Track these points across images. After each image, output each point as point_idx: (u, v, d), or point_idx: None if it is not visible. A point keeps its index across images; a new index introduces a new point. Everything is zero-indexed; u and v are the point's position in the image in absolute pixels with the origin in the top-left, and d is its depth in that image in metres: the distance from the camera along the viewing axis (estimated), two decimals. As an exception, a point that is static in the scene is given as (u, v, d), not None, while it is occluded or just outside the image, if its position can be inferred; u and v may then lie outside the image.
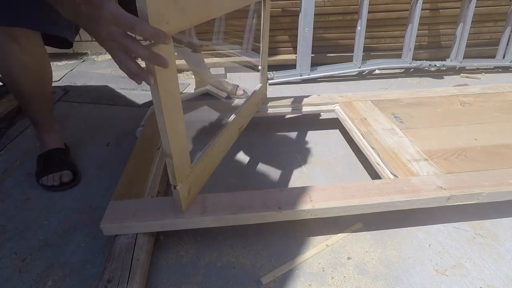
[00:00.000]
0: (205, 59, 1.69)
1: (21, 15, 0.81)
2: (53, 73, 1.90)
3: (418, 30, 1.78)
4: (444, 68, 1.95)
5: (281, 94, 1.65)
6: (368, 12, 1.73)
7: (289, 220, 0.79)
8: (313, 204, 0.77)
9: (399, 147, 0.99)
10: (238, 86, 1.62)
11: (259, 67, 1.22)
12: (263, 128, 1.33)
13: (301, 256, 0.79)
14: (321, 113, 1.36)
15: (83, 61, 2.12)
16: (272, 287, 0.72)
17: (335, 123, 1.31)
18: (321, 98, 1.32)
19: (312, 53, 1.78)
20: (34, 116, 1.04)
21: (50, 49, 1.86)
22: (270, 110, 1.26)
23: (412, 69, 1.95)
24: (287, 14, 1.90)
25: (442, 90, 1.39)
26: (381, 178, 0.92)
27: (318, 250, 0.80)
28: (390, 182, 0.84)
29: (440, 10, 1.96)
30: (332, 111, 1.28)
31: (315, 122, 1.37)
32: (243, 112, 1.09)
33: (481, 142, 1.02)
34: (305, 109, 1.27)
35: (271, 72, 1.82)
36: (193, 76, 1.92)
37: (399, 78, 1.89)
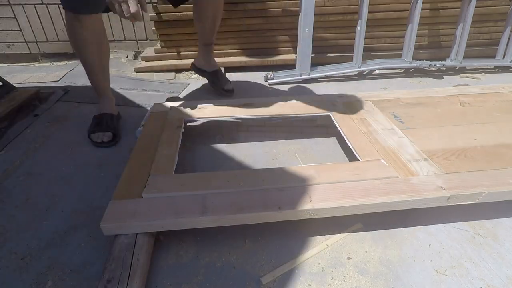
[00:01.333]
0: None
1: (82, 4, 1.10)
2: (53, 73, 1.90)
3: (418, 30, 1.78)
4: (444, 68, 1.95)
5: (281, 94, 1.65)
6: (368, 12, 1.73)
7: (289, 220, 0.79)
8: (313, 204, 0.77)
9: (399, 147, 0.99)
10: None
11: None
12: (263, 127, 1.33)
13: (301, 256, 0.79)
14: (321, 113, 1.36)
15: (83, 61, 2.12)
16: (272, 287, 0.72)
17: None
18: (321, 98, 1.32)
19: (312, 53, 1.78)
20: (94, 82, 1.32)
21: (50, 49, 1.89)
22: (270, 110, 1.25)
23: (412, 69, 1.95)
24: (287, 14, 1.90)
25: (442, 90, 1.40)
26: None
27: (318, 250, 0.80)
28: (390, 182, 0.84)
29: (440, 10, 1.96)
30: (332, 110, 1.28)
31: (315, 121, 1.36)
32: None
33: (481, 142, 1.02)
34: (305, 109, 1.27)
35: (271, 72, 1.82)
36: (193, 75, 1.92)
37: (399, 78, 1.89)
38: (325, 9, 1.89)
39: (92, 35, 1.19)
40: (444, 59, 1.93)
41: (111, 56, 2.20)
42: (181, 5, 1.80)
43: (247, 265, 0.77)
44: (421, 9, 1.74)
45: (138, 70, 1.96)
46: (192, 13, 1.83)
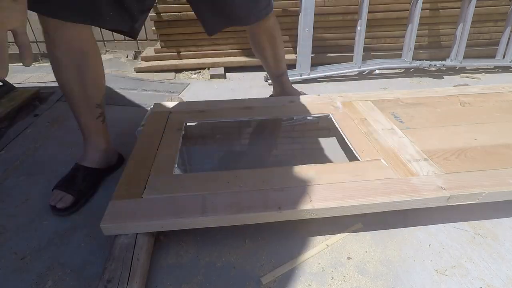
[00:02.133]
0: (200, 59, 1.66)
1: (58, 4, 0.76)
2: (53, 73, 1.88)
3: (418, 30, 1.78)
4: (444, 68, 1.95)
5: (281, 94, 1.65)
6: (368, 12, 1.73)
7: (289, 220, 0.79)
8: (313, 204, 0.77)
9: (399, 147, 0.99)
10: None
11: None
12: (263, 127, 1.33)
13: (301, 256, 0.79)
14: (321, 113, 1.36)
15: (83, 61, 2.12)
16: (272, 287, 0.72)
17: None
18: (321, 98, 1.32)
19: (312, 53, 1.78)
20: (75, 116, 0.95)
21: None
22: (270, 112, 1.25)
23: (412, 69, 1.95)
24: (287, 14, 1.90)
25: (442, 90, 1.39)
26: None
27: (318, 250, 0.80)
28: (390, 182, 0.84)
29: (440, 10, 1.96)
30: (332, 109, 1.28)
31: (315, 121, 1.36)
32: None
33: (481, 142, 1.02)
34: (305, 110, 1.27)
35: (271, 72, 1.82)
36: (193, 75, 1.92)
37: (399, 78, 1.89)
38: (325, 9, 1.89)
39: (67, 55, 0.85)
40: (444, 59, 1.93)
41: (110, 56, 2.21)
42: (181, 5, 1.81)
43: (247, 265, 0.77)
44: (421, 9, 1.74)
45: (138, 70, 1.96)
46: (192, 13, 1.84)
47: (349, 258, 0.79)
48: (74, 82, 0.89)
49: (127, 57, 2.13)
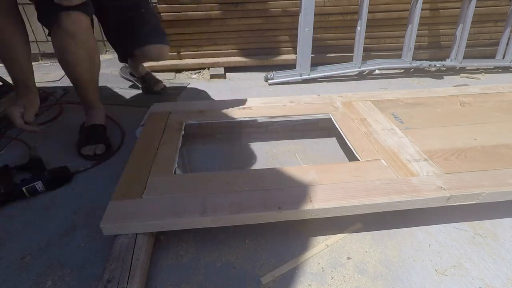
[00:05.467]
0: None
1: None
2: (53, 73, 1.89)
3: (418, 30, 1.78)
4: (444, 68, 1.95)
5: (281, 94, 1.65)
6: (368, 12, 1.73)
7: (289, 220, 0.79)
8: (313, 204, 0.77)
9: (399, 147, 0.99)
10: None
11: None
12: (263, 127, 1.33)
13: (301, 256, 0.79)
14: (321, 113, 1.36)
15: (83, 61, 2.12)
16: (272, 287, 0.72)
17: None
18: (321, 98, 1.32)
19: (312, 53, 1.78)
20: (83, 96, 1.25)
21: (50, 48, 1.90)
22: (270, 112, 1.25)
23: (412, 69, 1.95)
24: (287, 14, 1.90)
25: (442, 90, 1.39)
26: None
27: (318, 250, 0.80)
28: (390, 182, 0.84)
29: (440, 10, 1.96)
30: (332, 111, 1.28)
31: (315, 122, 1.36)
32: None
33: (481, 142, 1.02)
34: (305, 110, 1.27)
35: (271, 72, 1.82)
36: (193, 75, 1.92)
37: (399, 78, 1.89)
38: (325, 9, 1.89)
39: (86, 52, 1.11)
40: (444, 59, 1.93)
41: (111, 56, 2.22)
42: (181, 5, 1.81)
43: (247, 265, 0.77)
44: (421, 9, 1.74)
45: (138, 70, 1.96)
46: (191, 13, 1.84)
47: (349, 258, 0.79)
48: (89, 71, 1.17)
49: (127, 57, 2.12)
